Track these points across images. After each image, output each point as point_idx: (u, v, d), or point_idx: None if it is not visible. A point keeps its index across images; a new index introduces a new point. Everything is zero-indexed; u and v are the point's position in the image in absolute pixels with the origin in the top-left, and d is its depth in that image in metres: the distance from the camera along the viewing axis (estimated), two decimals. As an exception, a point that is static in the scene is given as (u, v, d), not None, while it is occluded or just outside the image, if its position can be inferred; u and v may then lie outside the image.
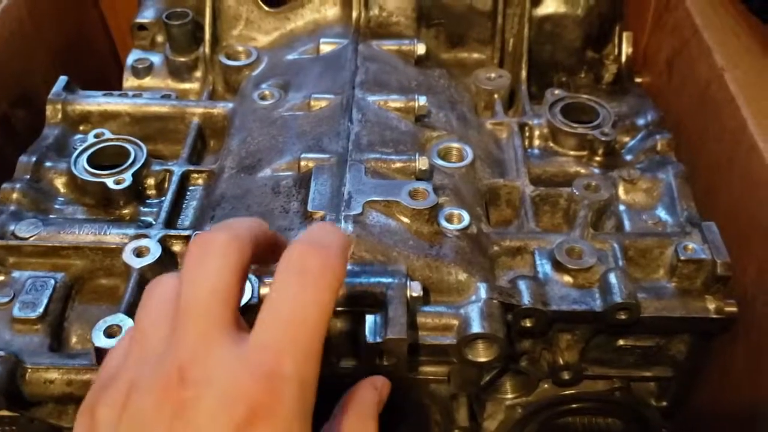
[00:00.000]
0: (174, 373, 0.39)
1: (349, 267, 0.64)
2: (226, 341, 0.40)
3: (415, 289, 0.62)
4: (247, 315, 0.61)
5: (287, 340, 0.40)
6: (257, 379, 0.39)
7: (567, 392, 0.78)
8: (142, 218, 0.77)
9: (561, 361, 0.73)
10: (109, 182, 0.76)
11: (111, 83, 1.05)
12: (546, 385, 0.78)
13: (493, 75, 0.93)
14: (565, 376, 0.74)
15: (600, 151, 0.83)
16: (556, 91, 0.89)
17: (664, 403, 0.81)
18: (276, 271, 0.42)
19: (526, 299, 0.66)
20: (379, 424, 0.54)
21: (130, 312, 0.64)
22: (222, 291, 0.41)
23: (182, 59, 0.96)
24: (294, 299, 0.41)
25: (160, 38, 1.01)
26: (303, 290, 0.41)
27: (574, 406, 0.80)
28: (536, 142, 0.87)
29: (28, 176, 0.78)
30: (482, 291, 0.66)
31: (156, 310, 0.44)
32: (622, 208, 0.79)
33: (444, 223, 0.69)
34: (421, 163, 0.73)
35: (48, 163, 0.80)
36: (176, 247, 0.72)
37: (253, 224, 0.46)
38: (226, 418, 0.38)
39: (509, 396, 0.79)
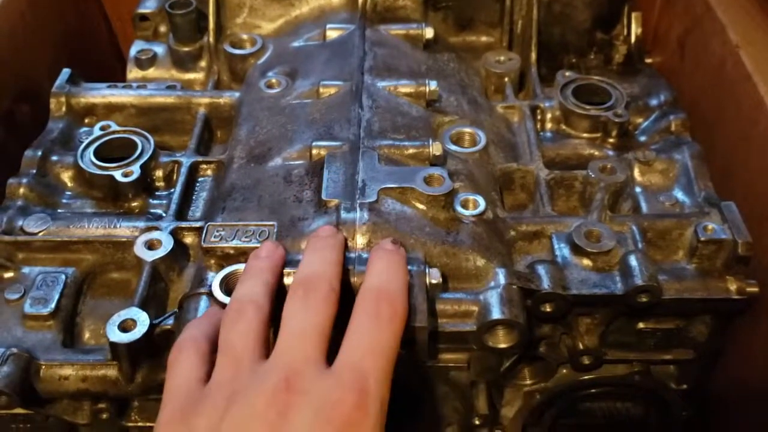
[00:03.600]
0: (281, 382, 0.48)
1: (366, 255, 0.63)
2: (322, 362, 0.50)
3: (434, 276, 0.61)
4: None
5: (369, 365, 0.49)
6: (350, 394, 0.47)
7: (586, 377, 0.77)
8: (152, 211, 0.76)
9: (581, 346, 0.72)
10: (117, 175, 0.75)
11: (113, 75, 1.03)
12: (565, 371, 0.77)
13: (502, 58, 0.91)
14: (585, 360, 0.73)
15: (614, 133, 0.82)
16: (567, 73, 0.87)
17: (685, 386, 0.80)
18: (354, 312, 0.53)
19: (545, 284, 0.65)
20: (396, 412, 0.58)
21: (144, 305, 0.63)
22: (322, 326, 0.52)
23: (186, 49, 0.95)
24: (372, 335, 0.51)
25: (162, 28, 0.99)
26: (379, 330, 0.51)
27: (593, 391, 0.79)
28: (548, 125, 0.85)
29: (35, 170, 0.77)
30: (501, 277, 0.65)
31: (245, 339, 0.52)
32: (638, 189, 0.78)
33: (460, 209, 0.68)
34: (435, 148, 0.72)
35: (54, 157, 0.79)
36: (188, 239, 0.71)
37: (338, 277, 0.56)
38: (325, 422, 0.46)
39: (528, 382, 0.78)
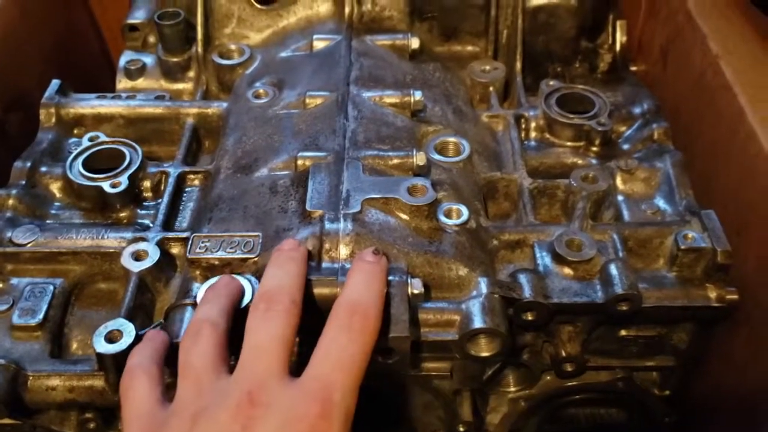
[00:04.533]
0: (245, 396, 0.49)
1: (349, 266, 0.63)
2: (285, 375, 0.51)
3: (416, 286, 0.62)
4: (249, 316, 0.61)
5: (336, 377, 0.50)
6: (314, 404, 0.48)
7: (570, 384, 0.78)
8: (140, 221, 0.76)
9: (563, 353, 0.72)
10: (106, 186, 0.76)
11: (103, 85, 1.04)
12: (548, 377, 0.78)
13: (487, 67, 0.93)
14: (568, 367, 0.74)
15: (597, 142, 0.83)
16: (551, 82, 0.88)
17: (667, 392, 0.81)
18: (327, 324, 0.53)
19: (527, 293, 0.66)
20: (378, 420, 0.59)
21: (130, 316, 0.64)
22: (283, 339, 0.53)
23: (175, 59, 0.96)
24: (342, 348, 0.52)
25: (152, 39, 1.00)
26: (349, 343, 0.52)
27: (577, 397, 0.80)
28: (533, 134, 0.87)
29: (24, 182, 0.78)
30: (483, 286, 0.65)
31: (204, 357, 0.53)
32: (620, 198, 0.79)
33: (443, 219, 0.69)
34: (419, 158, 0.72)
35: (43, 168, 0.80)
36: (174, 250, 0.71)
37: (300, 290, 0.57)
38: None
39: (512, 389, 0.79)
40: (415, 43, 0.90)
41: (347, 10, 0.93)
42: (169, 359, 0.58)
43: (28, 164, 0.79)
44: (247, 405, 0.48)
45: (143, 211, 0.77)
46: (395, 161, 0.73)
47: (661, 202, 0.78)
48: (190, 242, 0.67)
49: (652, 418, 0.83)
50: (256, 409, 0.48)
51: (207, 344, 0.54)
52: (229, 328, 0.56)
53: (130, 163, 0.78)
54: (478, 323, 0.63)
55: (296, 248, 0.61)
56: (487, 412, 0.80)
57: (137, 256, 0.69)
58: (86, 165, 0.78)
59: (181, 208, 0.78)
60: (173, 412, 0.51)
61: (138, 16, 1.01)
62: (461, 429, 0.75)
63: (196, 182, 0.80)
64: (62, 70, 1.00)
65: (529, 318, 0.67)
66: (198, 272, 0.66)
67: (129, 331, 0.62)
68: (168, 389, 0.55)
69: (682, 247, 0.70)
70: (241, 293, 0.61)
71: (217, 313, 0.57)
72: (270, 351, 0.52)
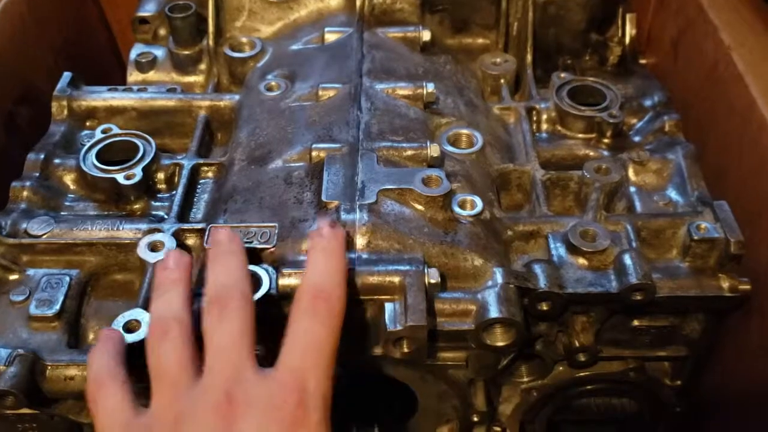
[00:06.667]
0: (222, 396, 0.49)
1: (365, 256, 0.64)
2: (256, 368, 0.51)
3: (432, 276, 0.63)
4: (266, 306, 0.62)
5: (309, 365, 0.51)
6: (290, 394, 0.49)
7: (582, 374, 0.79)
8: (154, 213, 0.77)
9: (576, 343, 0.73)
10: (120, 178, 0.76)
11: (112, 78, 1.04)
12: (561, 368, 0.78)
13: (498, 60, 0.93)
14: (581, 357, 0.74)
15: (608, 134, 0.83)
16: (563, 75, 0.89)
17: (679, 383, 0.81)
18: (292, 312, 0.54)
19: (542, 283, 0.66)
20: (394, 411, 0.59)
21: (147, 306, 0.64)
22: (244, 334, 0.53)
23: (186, 52, 0.96)
24: (311, 334, 0.52)
25: (162, 31, 1.00)
26: (316, 328, 0.52)
27: (589, 387, 0.81)
28: (544, 126, 0.87)
29: (38, 174, 0.78)
30: (498, 276, 0.66)
31: (176, 360, 0.53)
32: (632, 189, 0.79)
33: (457, 210, 0.69)
34: (433, 150, 0.73)
35: (56, 160, 0.80)
36: (190, 241, 0.72)
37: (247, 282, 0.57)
38: (272, 422, 0.48)
39: (525, 379, 0.79)
40: (426, 35, 0.91)
41: (358, 2, 0.93)
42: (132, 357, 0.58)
43: (42, 156, 0.79)
44: (226, 404, 0.49)
45: (157, 203, 0.78)
46: (409, 152, 0.74)
47: (673, 194, 0.78)
48: (207, 233, 0.67)
49: (663, 408, 0.83)
50: (236, 407, 0.49)
51: (177, 344, 0.53)
52: (192, 319, 0.55)
53: (143, 155, 0.78)
54: (493, 313, 0.63)
55: (230, 240, 0.61)
56: (499, 402, 0.80)
57: (153, 247, 0.69)
58: (99, 157, 0.78)
59: (195, 200, 0.78)
60: (153, 420, 0.51)
61: (148, 9, 1.01)
62: (475, 419, 0.75)
63: (210, 174, 0.80)
64: (71, 64, 1.00)
65: (544, 308, 0.68)
66: (215, 262, 0.66)
67: (146, 320, 0.62)
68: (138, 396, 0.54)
69: (695, 237, 0.70)
70: (191, 268, 0.60)
71: (180, 306, 0.56)
72: (235, 349, 0.52)
